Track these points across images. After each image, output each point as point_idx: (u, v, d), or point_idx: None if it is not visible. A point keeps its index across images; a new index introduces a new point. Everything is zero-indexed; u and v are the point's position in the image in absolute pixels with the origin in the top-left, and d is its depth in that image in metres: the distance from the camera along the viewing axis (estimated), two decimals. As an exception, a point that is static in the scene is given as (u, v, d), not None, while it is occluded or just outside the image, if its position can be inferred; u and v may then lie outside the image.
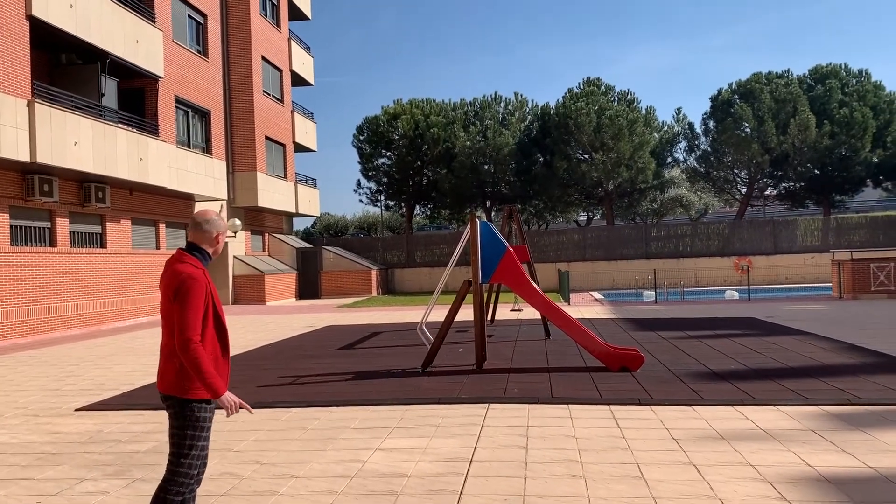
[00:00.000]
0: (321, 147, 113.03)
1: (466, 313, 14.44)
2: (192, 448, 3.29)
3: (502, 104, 39.74)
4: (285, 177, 30.17)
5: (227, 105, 26.54)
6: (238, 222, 26.09)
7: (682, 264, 30.83)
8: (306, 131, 33.15)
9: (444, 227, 51.69)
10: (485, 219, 10.82)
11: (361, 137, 41.05)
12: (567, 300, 21.66)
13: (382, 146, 40.19)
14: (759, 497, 4.24)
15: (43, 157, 14.74)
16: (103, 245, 18.46)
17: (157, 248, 20.92)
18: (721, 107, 36.78)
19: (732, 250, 31.16)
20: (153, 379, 8.97)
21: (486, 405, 7.10)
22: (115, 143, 17.12)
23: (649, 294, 24.59)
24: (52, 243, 16.59)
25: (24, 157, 14.42)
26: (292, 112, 31.59)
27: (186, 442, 3.28)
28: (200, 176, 21.67)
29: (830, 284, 22.41)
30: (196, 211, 3.43)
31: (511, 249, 9.66)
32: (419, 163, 39.24)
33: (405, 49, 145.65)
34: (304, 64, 33.11)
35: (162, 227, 21.17)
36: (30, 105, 14.63)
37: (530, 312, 17.21)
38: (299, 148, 32.89)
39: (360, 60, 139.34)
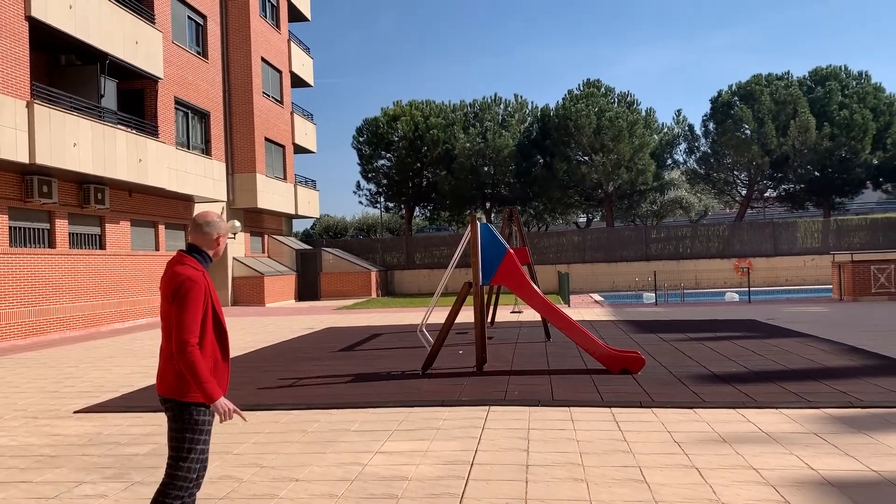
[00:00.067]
0: (321, 148, 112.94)
1: (466, 315, 14.41)
2: (191, 451, 3.26)
3: (502, 106, 39.74)
4: (285, 178, 30.16)
5: (226, 106, 26.52)
6: (237, 224, 26.08)
7: (682, 266, 30.82)
8: (306, 133, 33.14)
9: (443, 228, 51.67)
10: (485, 221, 10.80)
11: (361, 139, 41.04)
12: (567, 302, 21.64)
13: (382, 148, 40.18)
14: (763, 501, 4.21)
15: (42, 159, 14.71)
16: (102, 246, 18.43)
17: (157, 249, 20.89)
18: (721, 108, 36.79)
19: (732, 252, 31.15)
20: (152, 381, 8.94)
21: (487, 408, 7.07)
22: (114, 145, 17.10)
23: (649, 296, 24.57)
24: (52, 245, 16.56)
25: (24, 158, 14.40)
26: (292, 113, 31.58)
27: (185, 445, 3.26)
28: (200, 177, 21.64)
29: (830, 286, 22.39)
30: (197, 212, 3.39)
31: (511, 251, 9.64)
32: (419, 164, 39.23)
33: (405, 50, 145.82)
34: (303, 65, 33.11)
35: (161, 228, 21.14)
36: (29, 106, 14.61)
37: (530, 314, 17.18)
38: (299, 149, 32.87)
39: (359, 62, 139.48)
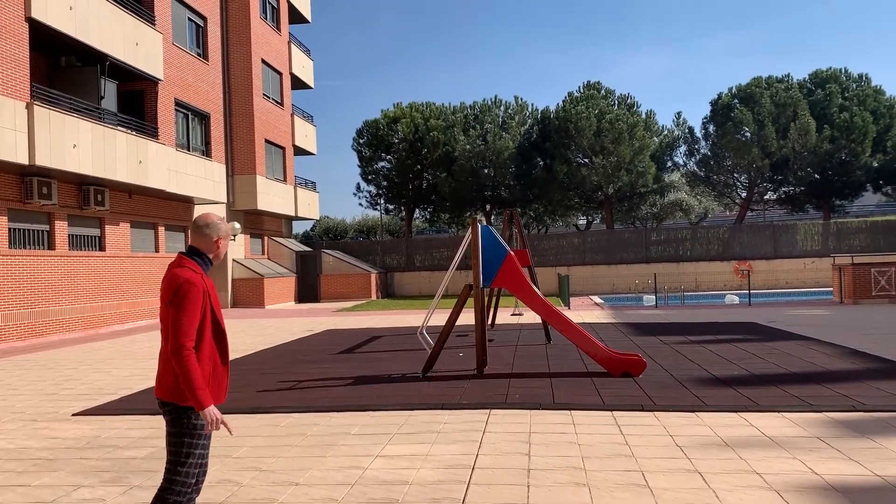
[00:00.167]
0: (321, 150, 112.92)
1: (467, 317, 14.37)
2: (190, 456, 3.22)
3: (502, 108, 39.73)
4: (285, 180, 30.13)
5: (226, 108, 26.49)
6: (237, 225, 26.05)
7: (683, 268, 30.79)
8: (306, 134, 33.12)
9: (443, 230, 51.63)
10: (485, 223, 10.76)
11: (361, 141, 41.01)
12: (567, 304, 21.60)
13: (382, 150, 40.16)
14: (767, 506, 4.18)
15: (42, 160, 14.68)
16: (102, 248, 18.40)
17: (157, 251, 20.86)
18: (721, 111, 36.78)
19: (732, 255, 31.11)
20: (152, 383, 8.90)
21: (488, 411, 7.03)
22: (114, 146, 17.07)
23: (649, 298, 24.54)
24: (51, 246, 16.52)
25: (23, 159, 14.36)
26: (292, 115, 31.56)
27: (184, 450, 3.22)
28: (200, 179, 21.62)
29: (831, 289, 22.36)
30: (198, 214, 3.35)
31: (512, 253, 9.61)
32: (419, 166, 39.20)
33: (405, 52, 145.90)
34: (303, 67, 33.10)
35: (161, 230, 21.11)
36: (29, 107, 14.58)
37: (531, 317, 17.15)
38: (299, 151, 32.85)
39: (359, 64, 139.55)
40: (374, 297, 30.21)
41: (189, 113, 21.83)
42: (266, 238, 30.10)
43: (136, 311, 19.73)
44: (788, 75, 37.31)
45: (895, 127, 35.60)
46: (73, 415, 7.55)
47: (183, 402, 3.19)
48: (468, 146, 36.81)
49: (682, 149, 39.77)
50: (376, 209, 44.09)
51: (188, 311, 3.14)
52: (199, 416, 3.21)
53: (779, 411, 6.60)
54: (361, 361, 10.95)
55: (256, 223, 29.01)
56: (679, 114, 51.02)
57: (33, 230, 16.08)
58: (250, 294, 26.47)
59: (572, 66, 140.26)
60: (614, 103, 37.08)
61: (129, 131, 17.87)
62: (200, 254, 3.36)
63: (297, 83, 32.81)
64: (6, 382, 10.02)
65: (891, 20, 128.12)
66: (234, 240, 26.21)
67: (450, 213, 41.05)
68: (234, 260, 26.69)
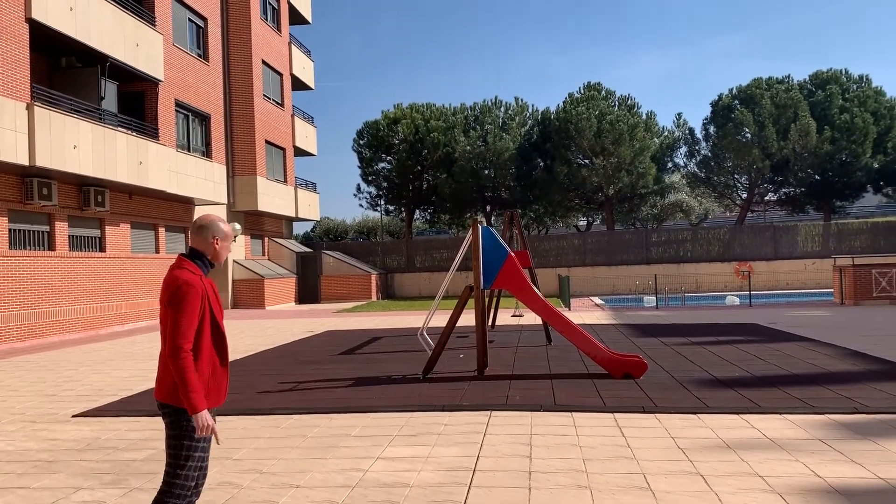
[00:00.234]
0: (321, 151, 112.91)
1: (467, 319, 14.34)
2: (189, 459, 3.20)
3: (502, 109, 39.72)
4: (285, 181, 30.12)
5: (227, 109, 26.49)
6: (238, 226, 26.03)
7: (683, 269, 30.78)
8: (306, 135, 33.12)
9: (443, 231, 51.61)
10: (485, 224, 10.74)
11: (361, 142, 41.00)
12: (568, 305, 21.58)
13: (382, 150, 40.14)
14: (769, 509, 4.16)
15: (42, 161, 14.67)
16: (102, 249, 18.38)
17: (157, 252, 20.84)
18: (721, 112, 36.77)
19: (733, 256, 31.10)
20: (151, 384, 8.88)
21: (489, 412, 7.01)
22: (114, 147, 17.06)
23: (650, 299, 24.53)
24: (51, 247, 16.51)
25: (24, 160, 14.35)
26: (292, 116, 31.55)
27: (183, 452, 3.20)
28: (200, 180, 21.60)
29: (831, 290, 22.33)
30: (199, 215, 3.36)
31: (513, 255, 9.59)
32: (419, 167, 39.19)
33: (405, 54, 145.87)
34: (304, 68, 33.10)
35: (161, 231, 21.10)
36: (29, 108, 14.57)
37: (531, 318, 17.13)
38: (299, 152, 32.85)
39: (360, 65, 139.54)
40: (374, 298, 30.19)
41: (189, 114, 21.82)
42: (266, 239, 30.09)
43: (136, 312, 19.71)
44: (789, 76, 37.32)
45: (895, 128, 35.58)
46: (73, 416, 7.53)
47: (182, 405, 3.17)
48: (468, 147, 36.80)
49: (683, 150, 39.81)
50: (376, 210, 44.13)
51: (186, 313, 3.12)
52: (198, 418, 3.19)
53: (780, 413, 6.58)
54: (362, 363, 10.93)
55: (257, 224, 29.00)
56: (679, 115, 51.01)
57: (33, 231, 16.07)
58: (251, 295, 26.46)
59: (572, 67, 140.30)
60: (615, 104, 37.08)
61: (129, 132, 17.86)
62: (200, 256, 3.34)
63: (298, 84, 32.81)
64: (6, 383, 10.00)
65: (891, 21, 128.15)
66: (235, 241, 26.20)
67: (450, 214, 41.03)
68: (234, 261, 26.68)
